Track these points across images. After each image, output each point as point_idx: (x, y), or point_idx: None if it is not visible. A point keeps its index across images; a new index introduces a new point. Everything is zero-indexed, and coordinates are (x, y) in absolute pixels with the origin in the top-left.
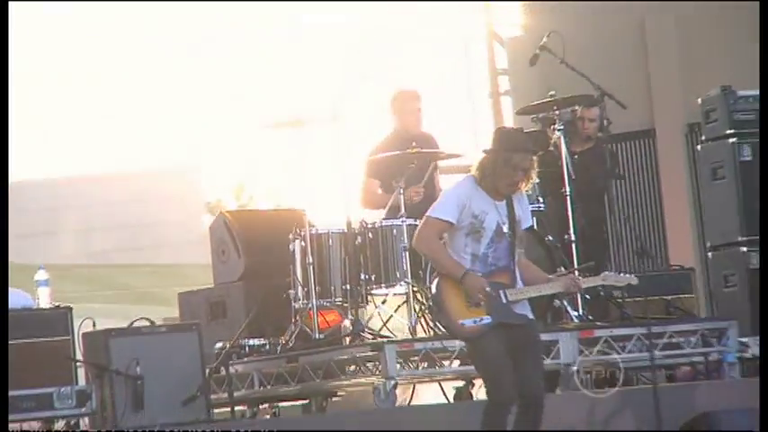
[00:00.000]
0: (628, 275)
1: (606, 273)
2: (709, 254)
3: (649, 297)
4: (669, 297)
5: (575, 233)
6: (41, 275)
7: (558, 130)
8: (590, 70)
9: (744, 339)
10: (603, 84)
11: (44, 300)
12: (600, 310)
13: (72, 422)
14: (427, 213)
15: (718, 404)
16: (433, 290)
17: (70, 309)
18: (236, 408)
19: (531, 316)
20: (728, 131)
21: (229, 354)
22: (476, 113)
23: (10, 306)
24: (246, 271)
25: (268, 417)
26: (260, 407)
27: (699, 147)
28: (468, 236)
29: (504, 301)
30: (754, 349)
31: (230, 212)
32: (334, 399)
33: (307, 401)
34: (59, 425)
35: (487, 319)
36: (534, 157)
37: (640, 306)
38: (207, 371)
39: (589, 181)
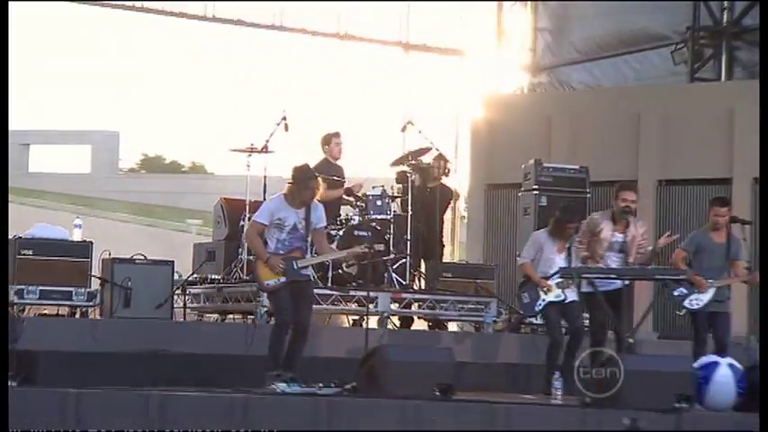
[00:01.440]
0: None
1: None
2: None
3: (467, 280)
4: (478, 280)
5: (412, 235)
6: (77, 222)
7: (409, 173)
8: None
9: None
10: None
11: (76, 236)
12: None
13: (83, 310)
14: (252, 217)
15: (460, 348)
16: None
17: (91, 243)
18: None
19: (311, 276)
20: (534, 187)
21: (188, 281)
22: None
23: (52, 236)
24: (229, 234)
25: (242, 322)
26: (228, 316)
27: (519, 194)
28: (275, 228)
29: (295, 267)
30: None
31: (225, 199)
32: None
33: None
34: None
35: (283, 279)
36: (320, 180)
37: (454, 284)
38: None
39: (432, 204)
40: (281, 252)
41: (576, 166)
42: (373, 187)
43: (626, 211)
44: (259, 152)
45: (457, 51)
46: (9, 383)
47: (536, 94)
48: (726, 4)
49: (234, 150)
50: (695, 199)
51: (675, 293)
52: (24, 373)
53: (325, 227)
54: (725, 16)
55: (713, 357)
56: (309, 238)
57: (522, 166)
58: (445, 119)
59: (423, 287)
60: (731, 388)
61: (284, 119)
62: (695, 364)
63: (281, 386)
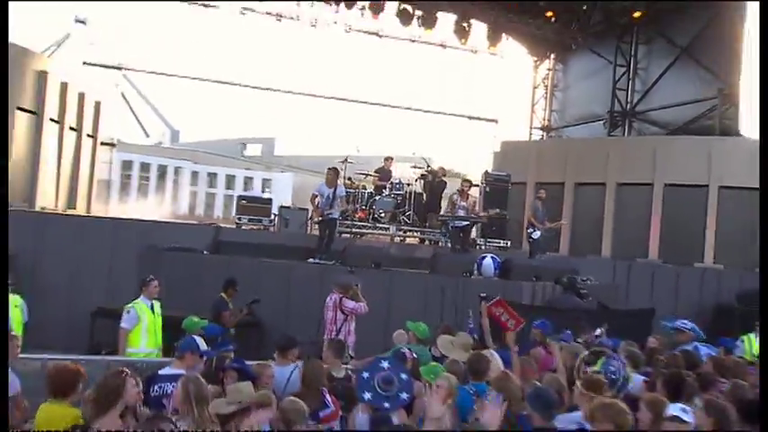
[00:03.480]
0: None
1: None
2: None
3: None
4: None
5: (420, 203)
6: (268, 189)
7: (424, 174)
8: None
9: None
10: None
11: (266, 195)
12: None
13: (267, 228)
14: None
15: (422, 252)
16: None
17: (272, 198)
18: None
19: (335, 216)
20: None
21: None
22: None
23: (255, 195)
24: None
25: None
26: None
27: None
28: (320, 196)
29: (325, 213)
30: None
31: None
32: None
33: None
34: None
35: (321, 218)
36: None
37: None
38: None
39: (437, 188)
40: (321, 207)
41: (505, 173)
42: (395, 177)
43: (463, 191)
44: (344, 162)
45: (495, 120)
46: (204, 252)
47: (522, 141)
48: (628, 98)
49: (336, 161)
50: (589, 193)
51: (533, 236)
52: (215, 250)
53: (343, 197)
54: (628, 105)
55: (487, 255)
56: (337, 201)
57: (478, 173)
58: (487, 153)
59: (420, 225)
60: (491, 267)
61: (358, 150)
62: (479, 258)
63: (312, 260)
